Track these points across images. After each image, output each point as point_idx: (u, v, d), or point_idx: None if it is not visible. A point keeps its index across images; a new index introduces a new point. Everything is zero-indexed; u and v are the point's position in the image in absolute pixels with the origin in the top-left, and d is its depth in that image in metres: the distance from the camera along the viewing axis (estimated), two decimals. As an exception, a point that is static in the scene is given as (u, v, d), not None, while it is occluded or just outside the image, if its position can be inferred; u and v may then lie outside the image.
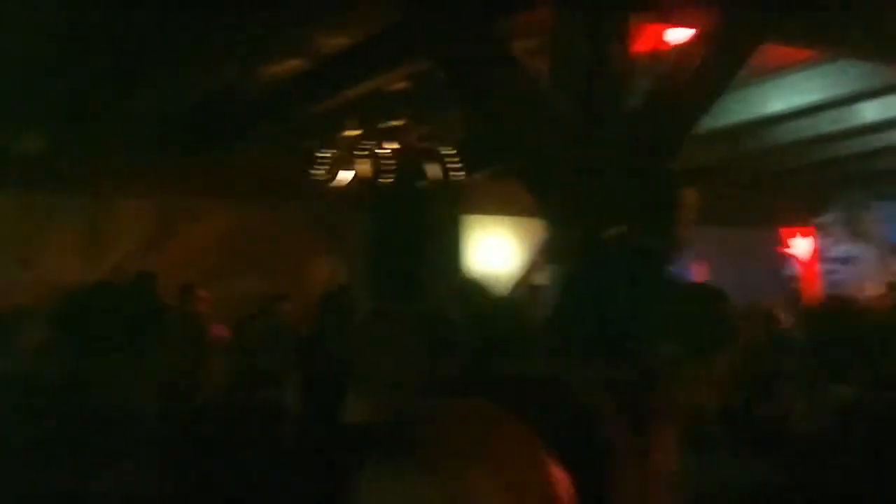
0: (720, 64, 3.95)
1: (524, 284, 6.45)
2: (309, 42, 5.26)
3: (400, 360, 3.69)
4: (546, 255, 3.91)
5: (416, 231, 7.70)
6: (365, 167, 6.65)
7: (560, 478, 0.94)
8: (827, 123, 7.03)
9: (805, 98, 6.23)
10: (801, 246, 8.01)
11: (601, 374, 2.75)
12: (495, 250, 8.72)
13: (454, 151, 6.14)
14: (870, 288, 6.82)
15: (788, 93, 6.21)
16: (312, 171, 6.73)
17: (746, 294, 6.53)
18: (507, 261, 8.55)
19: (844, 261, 6.87)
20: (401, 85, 6.00)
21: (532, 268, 6.27)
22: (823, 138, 7.47)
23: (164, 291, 5.17)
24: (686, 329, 2.65)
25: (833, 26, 4.45)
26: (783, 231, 7.98)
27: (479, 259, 8.46)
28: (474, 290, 4.01)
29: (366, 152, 6.64)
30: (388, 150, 6.51)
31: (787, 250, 8.01)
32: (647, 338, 2.68)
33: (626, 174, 3.57)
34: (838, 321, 3.42)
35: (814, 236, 8.58)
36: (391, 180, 6.60)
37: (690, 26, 3.97)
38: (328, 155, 6.86)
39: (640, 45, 4.04)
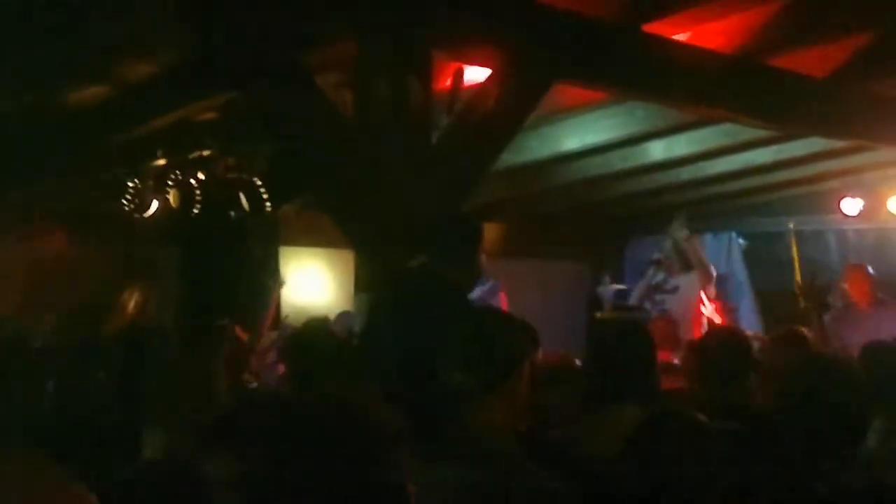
0: (516, 102, 4.17)
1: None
2: (112, 69, 5.18)
3: (208, 392, 3.68)
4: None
5: (231, 263, 7.62)
6: (174, 198, 6.56)
7: None
8: (618, 161, 7.48)
9: (597, 137, 6.58)
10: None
11: (400, 398, 2.85)
12: (312, 281, 8.74)
13: (262, 183, 6.16)
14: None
15: (582, 131, 6.54)
16: (120, 202, 6.59)
17: (551, 324, 6.88)
18: (323, 292, 8.59)
19: (673, 290, 7.23)
20: (209, 115, 5.98)
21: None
22: (616, 175, 7.94)
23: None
24: (481, 355, 2.72)
25: (621, 69, 4.77)
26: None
27: (296, 290, 8.45)
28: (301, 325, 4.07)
29: (174, 183, 6.55)
30: (197, 181, 6.45)
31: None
32: (444, 364, 2.76)
33: (428, 207, 3.71)
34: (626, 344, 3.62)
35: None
36: (201, 211, 6.53)
37: (488, 66, 4.18)
38: (136, 185, 6.72)
39: (442, 82, 4.22)
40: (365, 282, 3.74)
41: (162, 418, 3.25)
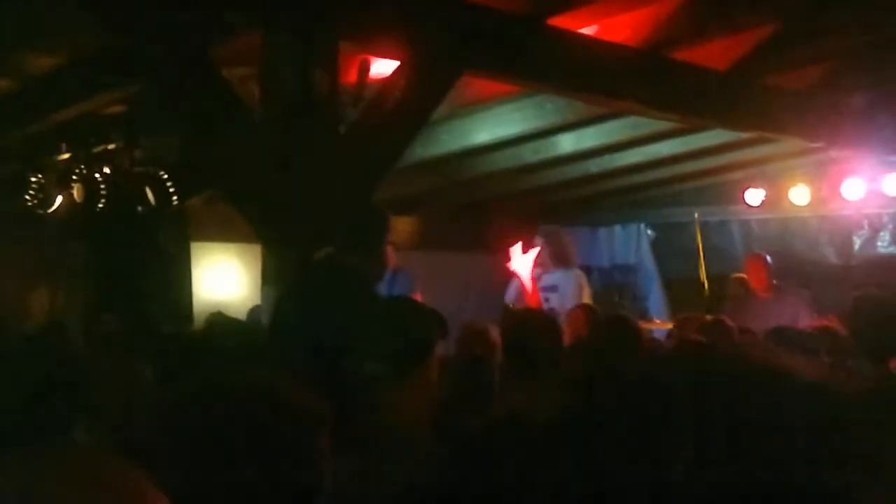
0: (423, 94, 4.20)
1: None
2: (13, 62, 5.06)
3: (126, 388, 3.62)
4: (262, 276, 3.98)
5: (140, 257, 7.50)
6: (78, 192, 6.43)
7: None
8: (529, 153, 7.57)
9: (508, 130, 6.65)
10: (523, 269, 8.34)
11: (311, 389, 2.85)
12: (224, 276, 8.63)
13: (169, 176, 6.07)
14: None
15: (492, 124, 6.60)
16: (24, 197, 6.43)
17: (464, 314, 6.92)
18: (236, 288, 8.49)
19: (553, 289, 7.27)
20: (115, 108, 5.88)
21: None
22: (527, 168, 8.03)
23: None
24: (390, 344, 2.74)
25: (527, 62, 4.83)
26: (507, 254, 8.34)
27: (209, 285, 8.35)
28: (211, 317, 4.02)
29: (78, 177, 6.42)
30: (102, 175, 6.33)
31: (513, 272, 8.34)
32: (352, 353, 2.77)
33: (335, 199, 3.71)
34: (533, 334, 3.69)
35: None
36: (106, 206, 6.41)
37: (396, 57, 4.20)
38: (39, 181, 6.57)
39: (349, 75, 4.22)
40: (272, 275, 3.73)
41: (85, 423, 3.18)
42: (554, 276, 7.34)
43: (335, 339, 2.77)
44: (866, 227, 9.64)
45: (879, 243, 9.64)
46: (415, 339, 2.75)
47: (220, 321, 3.80)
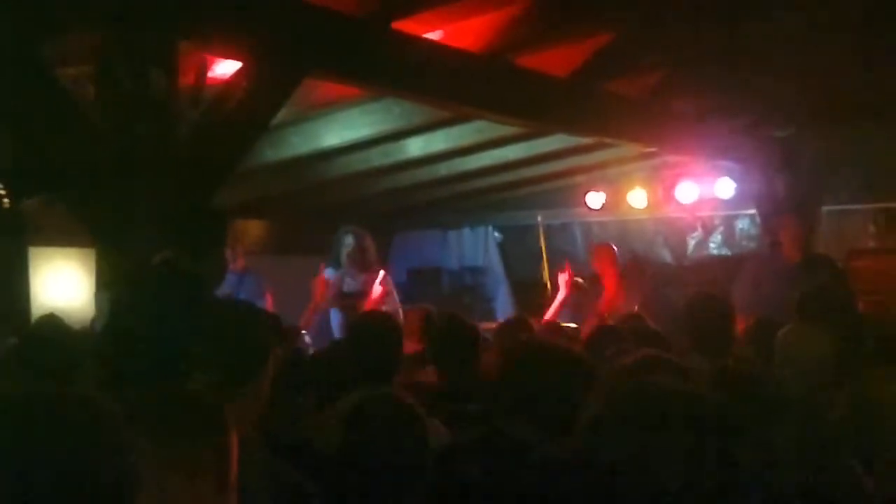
0: (265, 97, 4.16)
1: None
2: None
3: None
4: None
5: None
6: None
7: None
8: (378, 157, 7.60)
9: (356, 133, 6.65)
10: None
11: (143, 398, 2.79)
12: (66, 283, 8.31)
13: (1, 178, 5.80)
14: None
15: (341, 128, 6.58)
16: None
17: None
18: (78, 294, 8.18)
19: (358, 295, 6.87)
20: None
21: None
22: (377, 171, 8.06)
23: None
24: (225, 352, 2.70)
25: (370, 65, 4.86)
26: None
27: (49, 292, 8.02)
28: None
29: None
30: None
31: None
32: (188, 361, 2.72)
33: (173, 202, 3.65)
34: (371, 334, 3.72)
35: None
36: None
37: (237, 58, 4.15)
38: None
39: (189, 76, 4.14)
40: (107, 279, 3.63)
41: None
42: (358, 281, 7.02)
43: (168, 345, 2.73)
44: (699, 229, 10.12)
45: (712, 244, 10.13)
46: (249, 346, 2.72)
47: (47, 325, 3.67)
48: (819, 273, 6.40)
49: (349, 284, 7.01)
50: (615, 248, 7.70)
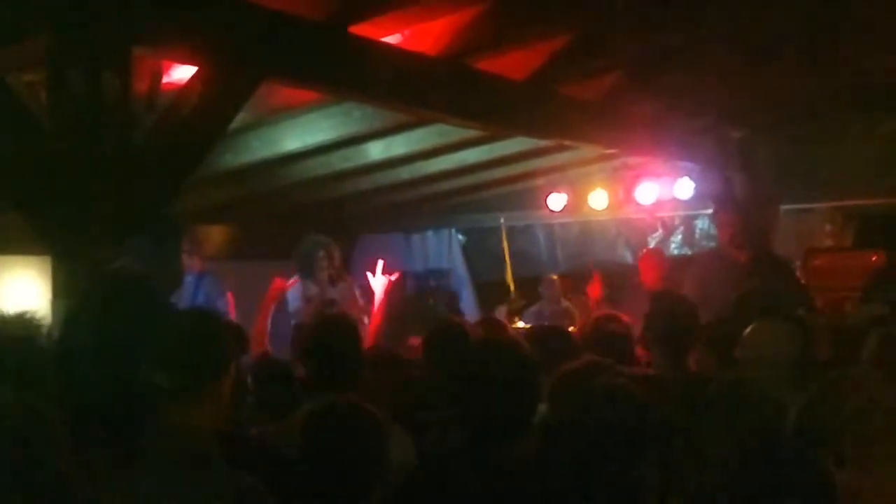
0: (221, 101, 4.14)
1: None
2: None
3: None
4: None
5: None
6: None
7: None
8: (339, 161, 7.58)
9: (317, 137, 6.63)
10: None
11: (99, 404, 2.77)
12: (24, 292, 8.20)
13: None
14: None
15: (301, 132, 6.56)
16: None
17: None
18: (38, 302, 8.06)
19: (331, 303, 6.90)
20: None
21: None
22: (339, 175, 8.04)
23: None
24: (183, 358, 2.71)
25: (327, 69, 4.85)
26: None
27: (6, 300, 7.91)
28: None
29: None
30: None
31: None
32: (146, 367, 2.72)
33: (129, 208, 3.62)
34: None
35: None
36: None
37: (192, 63, 4.12)
38: None
39: (144, 81, 4.11)
40: (62, 288, 3.59)
41: None
42: (333, 291, 7.08)
43: (123, 353, 2.71)
44: (660, 229, 10.21)
45: (672, 244, 10.22)
46: (208, 348, 2.73)
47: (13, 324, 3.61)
48: (765, 272, 6.38)
49: (330, 295, 7.02)
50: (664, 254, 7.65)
